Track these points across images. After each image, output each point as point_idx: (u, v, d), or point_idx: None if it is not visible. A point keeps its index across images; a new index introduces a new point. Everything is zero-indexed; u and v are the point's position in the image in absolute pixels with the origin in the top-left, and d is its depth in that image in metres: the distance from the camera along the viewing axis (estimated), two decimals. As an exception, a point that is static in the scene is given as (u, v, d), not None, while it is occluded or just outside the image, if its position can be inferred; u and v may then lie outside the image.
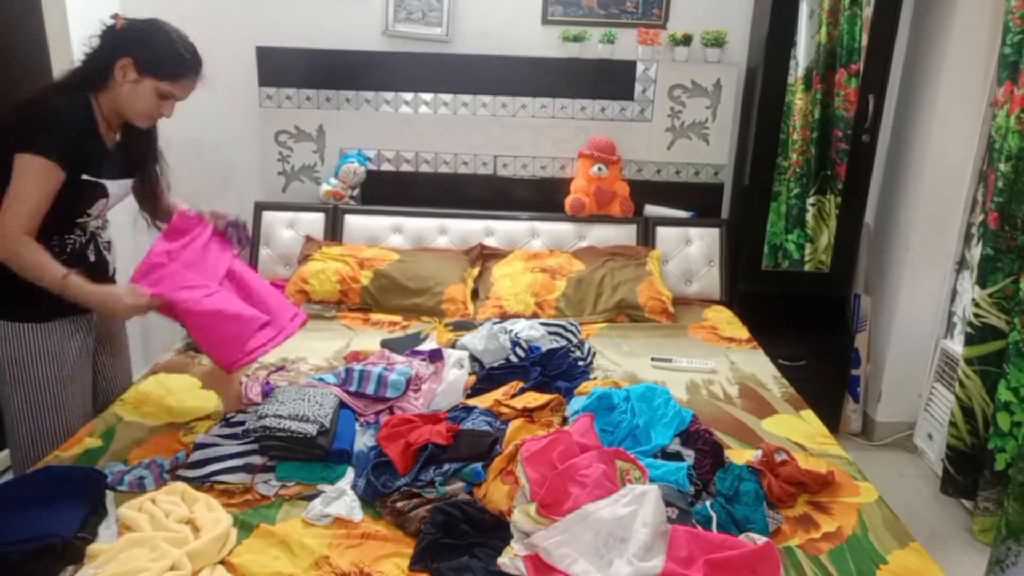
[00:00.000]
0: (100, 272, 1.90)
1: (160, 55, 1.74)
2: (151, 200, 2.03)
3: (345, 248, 2.93)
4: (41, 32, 2.60)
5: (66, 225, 1.79)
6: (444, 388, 1.93)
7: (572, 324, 2.48)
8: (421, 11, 3.05)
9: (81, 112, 1.75)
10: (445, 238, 3.08)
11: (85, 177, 1.75)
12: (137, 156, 1.92)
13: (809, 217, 3.09)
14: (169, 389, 2.07)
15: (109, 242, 1.96)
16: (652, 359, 2.37)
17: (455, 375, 1.98)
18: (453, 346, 2.25)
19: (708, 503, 1.52)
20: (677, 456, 1.70)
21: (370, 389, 1.92)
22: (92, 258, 1.87)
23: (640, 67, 3.07)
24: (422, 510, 1.48)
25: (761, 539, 1.36)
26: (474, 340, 2.20)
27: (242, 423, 1.78)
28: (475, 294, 2.84)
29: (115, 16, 1.76)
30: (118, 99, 1.76)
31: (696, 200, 3.20)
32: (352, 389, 1.92)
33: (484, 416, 1.81)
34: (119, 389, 2.06)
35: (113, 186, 1.84)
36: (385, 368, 2.00)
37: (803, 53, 2.91)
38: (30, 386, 1.81)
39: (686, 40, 3.01)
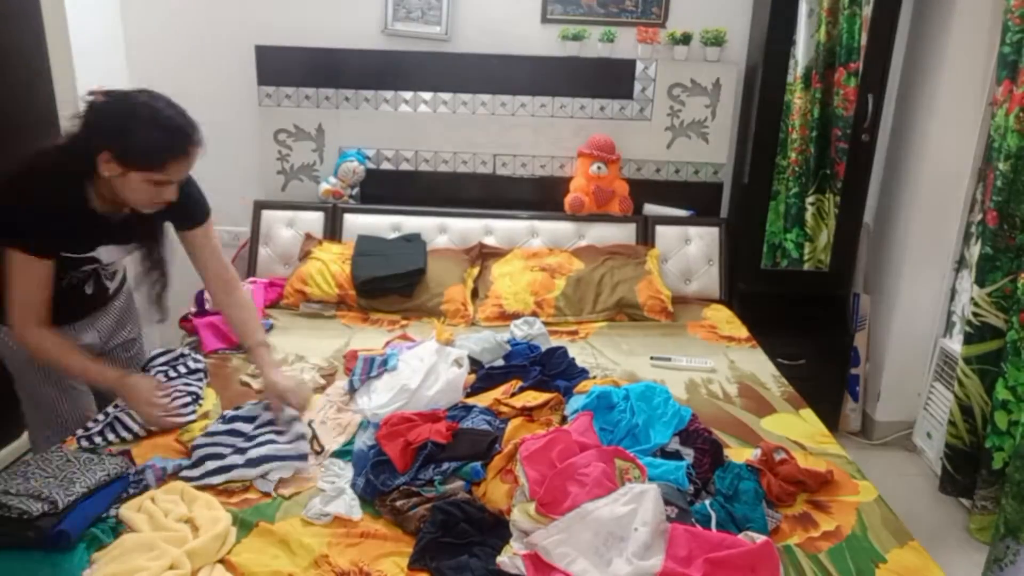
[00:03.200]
0: (96, 301, 1.90)
1: (138, 146, 1.55)
2: (161, 270, 1.89)
3: (345, 247, 2.93)
4: (40, 31, 2.60)
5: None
6: (443, 387, 1.93)
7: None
8: (420, 10, 3.05)
9: (66, 201, 1.64)
10: (444, 237, 3.08)
11: (70, 256, 1.71)
12: (142, 228, 1.81)
13: (808, 216, 3.09)
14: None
15: (115, 272, 1.94)
16: (651, 358, 2.37)
17: (454, 374, 1.98)
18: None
19: (707, 502, 1.52)
20: (676, 455, 1.70)
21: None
22: (89, 291, 1.86)
23: (639, 66, 3.07)
24: (421, 509, 1.48)
25: (760, 538, 1.36)
26: (469, 342, 2.20)
27: (243, 418, 1.78)
28: (474, 293, 2.84)
29: (93, 91, 1.59)
30: (112, 188, 1.62)
31: (695, 199, 3.20)
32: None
33: (483, 415, 1.81)
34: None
35: (109, 251, 1.79)
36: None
37: (802, 52, 2.91)
38: (38, 389, 1.86)
39: (685, 39, 3.01)
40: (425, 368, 1.97)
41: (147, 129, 1.55)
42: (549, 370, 2.07)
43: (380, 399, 1.92)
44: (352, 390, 2.01)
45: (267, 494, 1.58)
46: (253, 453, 1.65)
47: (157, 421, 1.79)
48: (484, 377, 2.04)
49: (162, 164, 1.59)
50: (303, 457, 1.69)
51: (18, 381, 1.89)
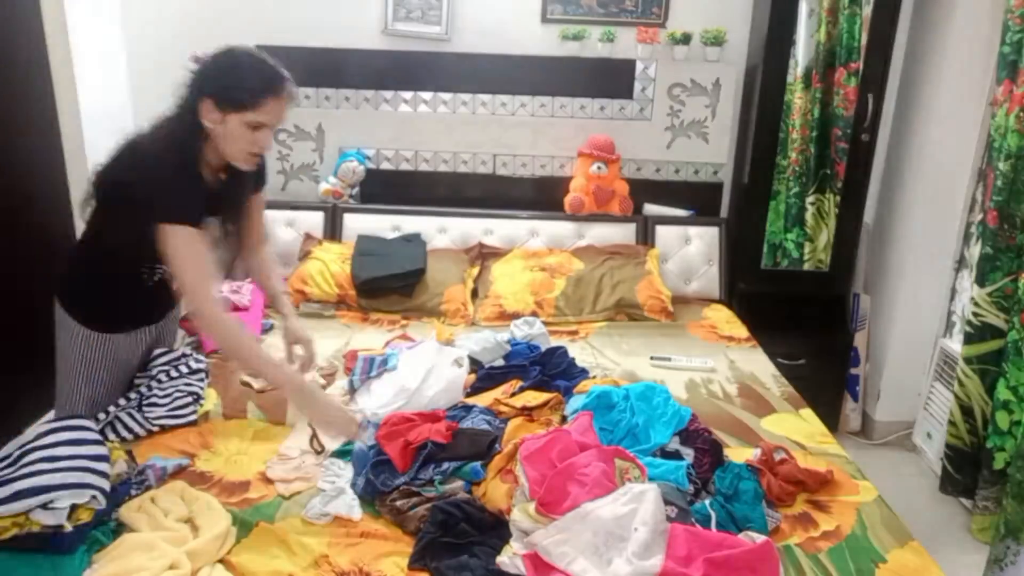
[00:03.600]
0: (169, 299, 1.97)
1: (238, 85, 1.64)
2: (236, 238, 1.95)
3: (345, 247, 2.93)
4: (40, 33, 2.60)
5: (154, 258, 1.76)
6: (443, 387, 1.93)
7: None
8: (420, 10, 3.05)
9: (185, 170, 1.69)
10: (444, 237, 3.08)
11: None
12: (233, 199, 1.88)
13: (808, 216, 3.09)
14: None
15: None
16: (651, 358, 2.37)
17: (455, 374, 1.98)
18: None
19: (707, 502, 1.52)
20: (676, 455, 1.70)
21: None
22: (175, 286, 1.89)
23: (639, 66, 3.07)
24: (421, 509, 1.48)
25: (760, 538, 1.36)
26: (469, 342, 2.20)
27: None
28: (474, 293, 2.84)
29: (194, 56, 1.71)
30: (217, 145, 1.69)
31: (695, 199, 3.20)
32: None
33: (483, 415, 1.81)
34: None
35: (208, 222, 1.82)
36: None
37: (802, 52, 2.91)
38: (91, 385, 1.88)
39: (685, 39, 3.01)
40: (425, 368, 1.97)
41: (246, 70, 1.65)
42: (549, 370, 2.07)
43: (380, 399, 1.91)
44: (352, 390, 2.01)
45: (59, 526, 1.35)
46: (21, 485, 1.38)
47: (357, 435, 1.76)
48: (484, 377, 2.04)
49: (258, 103, 1.64)
50: (92, 485, 1.43)
51: (67, 374, 1.89)
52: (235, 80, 1.64)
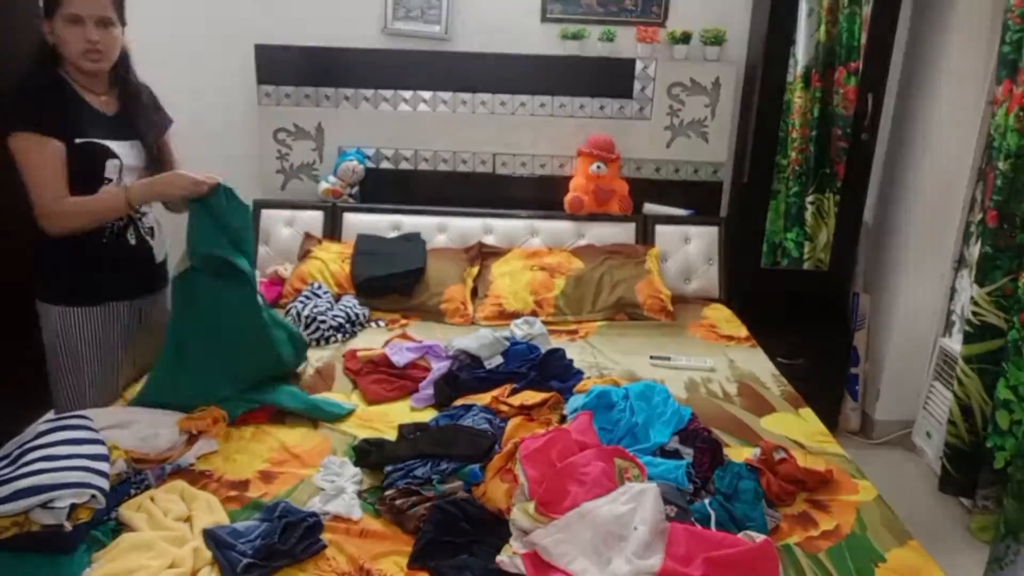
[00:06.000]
0: (142, 256, 2.00)
1: None
2: (157, 169, 2.00)
3: (345, 246, 2.93)
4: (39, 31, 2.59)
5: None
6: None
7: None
8: (420, 9, 3.05)
9: (49, 81, 1.80)
10: (444, 236, 3.08)
11: (80, 140, 1.80)
12: (138, 120, 1.95)
13: (808, 215, 3.09)
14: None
15: (152, 228, 2.02)
16: (651, 357, 2.37)
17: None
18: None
19: (707, 501, 1.52)
20: (676, 454, 1.70)
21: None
22: (132, 241, 1.95)
23: (639, 65, 3.07)
24: (421, 508, 1.48)
25: (760, 537, 1.35)
26: (467, 340, 2.20)
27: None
28: (474, 292, 2.84)
29: None
30: (63, 56, 1.80)
31: (695, 198, 3.20)
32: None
33: (484, 413, 1.81)
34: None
35: (121, 148, 1.88)
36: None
37: (802, 51, 2.91)
38: (74, 362, 1.93)
39: (685, 38, 3.01)
40: None
41: None
42: (545, 373, 2.06)
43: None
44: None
45: (59, 526, 1.34)
46: (21, 484, 1.37)
47: (200, 185, 1.87)
48: (482, 377, 2.04)
49: None
50: (92, 484, 1.41)
51: (54, 364, 1.95)
52: None
